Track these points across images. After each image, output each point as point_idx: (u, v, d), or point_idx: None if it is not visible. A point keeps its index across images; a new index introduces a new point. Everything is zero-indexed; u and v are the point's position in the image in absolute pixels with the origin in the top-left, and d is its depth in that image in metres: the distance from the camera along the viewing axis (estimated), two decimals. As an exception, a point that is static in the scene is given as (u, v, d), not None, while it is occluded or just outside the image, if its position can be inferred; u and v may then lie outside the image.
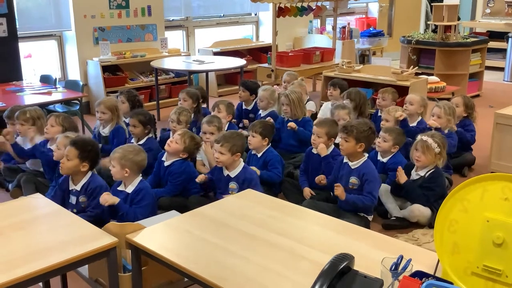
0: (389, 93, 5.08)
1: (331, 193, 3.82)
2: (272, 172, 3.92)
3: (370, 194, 3.47)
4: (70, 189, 3.36)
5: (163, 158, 3.83)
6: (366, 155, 3.57)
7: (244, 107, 5.47)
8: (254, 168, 3.88)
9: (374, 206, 3.62)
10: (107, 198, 3.14)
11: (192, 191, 3.76)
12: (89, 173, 3.36)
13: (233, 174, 3.54)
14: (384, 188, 3.73)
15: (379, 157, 4.06)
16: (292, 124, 4.53)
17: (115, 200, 3.16)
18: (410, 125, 4.49)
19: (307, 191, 3.84)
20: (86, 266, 2.28)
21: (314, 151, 3.93)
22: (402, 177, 3.66)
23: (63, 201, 3.33)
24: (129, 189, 3.27)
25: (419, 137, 3.72)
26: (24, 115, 4.29)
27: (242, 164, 3.58)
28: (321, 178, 3.71)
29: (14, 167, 4.35)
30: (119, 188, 3.31)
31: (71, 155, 3.27)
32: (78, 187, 3.33)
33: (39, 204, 2.43)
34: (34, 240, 2.05)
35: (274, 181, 3.91)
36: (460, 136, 4.57)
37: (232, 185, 3.50)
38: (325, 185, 3.72)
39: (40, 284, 2.53)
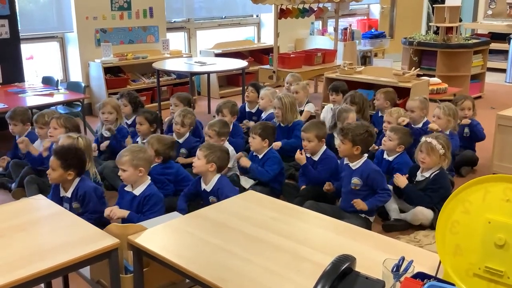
0: (381, 93, 5.10)
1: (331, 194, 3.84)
2: (264, 169, 3.93)
3: (384, 190, 3.52)
4: (61, 196, 3.29)
5: None
6: (365, 155, 3.59)
7: (247, 109, 5.46)
8: (245, 159, 3.97)
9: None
10: (116, 212, 3.07)
11: None
12: (77, 179, 3.27)
13: (208, 188, 3.44)
14: (386, 189, 3.74)
15: (385, 156, 4.09)
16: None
17: (124, 214, 3.09)
18: (416, 127, 4.49)
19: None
20: (88, 267, 2.28)
21: (308, 154, 3.95)
22: (401, 182, 3.64)
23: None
24: (137, 191, 3.19)
25: (423, 138, 3.72)
26: (42, 118, 4.25)
27: (217, 176, 3.43)
28: (327, 186, 3.75)
29: (21, 163, 4.31)
30: (126, 189, 3.25)
31: (54, 165, 3.18)
32: (68, 194, 3.26)
33: (41, 205, 2.44)
34: (36, 242, 2.05)
35: (262, 177, 3.92)
36: (473, 129, 4.66)
37: (212, 199, 3.39)
38: (334, 191, 3.75)
39: (42, 285, 2.54)
